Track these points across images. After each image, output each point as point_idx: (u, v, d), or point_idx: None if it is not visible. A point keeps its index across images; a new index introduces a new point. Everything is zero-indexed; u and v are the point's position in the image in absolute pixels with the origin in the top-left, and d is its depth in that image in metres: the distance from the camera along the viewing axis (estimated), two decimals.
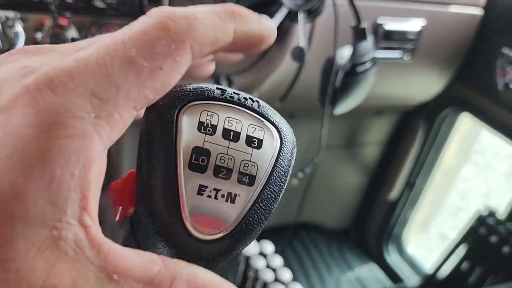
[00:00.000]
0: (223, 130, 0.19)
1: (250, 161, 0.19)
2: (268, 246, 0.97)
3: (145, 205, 0.19)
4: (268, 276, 0.90)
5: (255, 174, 0.19)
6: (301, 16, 0.63)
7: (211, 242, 0.18)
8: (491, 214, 1.10)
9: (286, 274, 0.92)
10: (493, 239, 1.05)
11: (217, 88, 0.20)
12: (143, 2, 0.70)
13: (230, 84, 0.70)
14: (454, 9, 0.94)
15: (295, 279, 0.93)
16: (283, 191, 0.20)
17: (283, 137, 0.20)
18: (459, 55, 1.02)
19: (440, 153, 1.27)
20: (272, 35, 0.21)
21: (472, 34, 0.99)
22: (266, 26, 0.21)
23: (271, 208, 0.19)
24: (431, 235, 1.99)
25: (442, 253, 1.21)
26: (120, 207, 0.20)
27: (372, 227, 1.45)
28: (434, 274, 1.21)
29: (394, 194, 1.34)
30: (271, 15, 0.66)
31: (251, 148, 0.19)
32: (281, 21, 0.64)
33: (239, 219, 0.19)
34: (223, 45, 0.19)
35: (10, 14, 0.66)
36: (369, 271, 1.39)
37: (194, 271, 0.17)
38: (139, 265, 0.16)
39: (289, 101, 0.97)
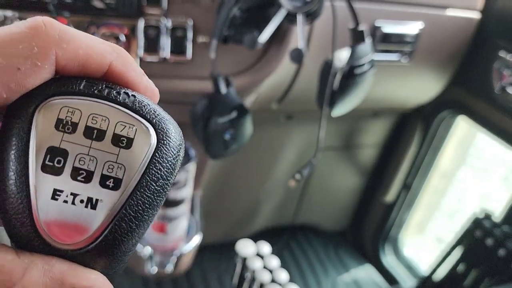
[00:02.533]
0: (85, 128, 0.17)
1: (115, 162, 0.17)
2: (265, 247, 0.97)
3: (0, 211, 0.17)
4: (265, 277, 0.90)
5: (121, 177, 0.17)
6: (299, 18, 0.64)
7: (74, 251, 0.17)
8: (487, 216, 1.10)
9: (283, 275, 0.92)
10: (489, 241, 1.05)
11: (86, 82, 0.18)
12: (141, 2, 0.70)
13: (228, 85, 0.70)
14: (451, 12, 0.95)
15: (291, 280, 0.93)
16: (162, 196, 0.18)
17: (161, 136, 0.18)
18: (456, 58, 1.03)
19: (436, 156, 1.28)
20: (152, 96, 0.20)
21: (469, 37, 0.99)
22: (146, 83, 0.20)
23: (145, 215, 0.17)
24: (427, 237, 1.99)
25: (438, 255, 1.21)
26: None
27: (368, 229, 1.45)
28: (430, 276, 1.21)
29: (390, 196, 1.35)
30: (270, 16, 0.67)
31: (118, 148, 0.17)
32: (280, 22, 0.65)
33: (102, 227, 0.17)
34: (93, 71, 0.19)
35: (8, 13, 0.66)
36: (366, 273, 1.39)
37: (51, 261, 0.16)
38: None
39: (287, 103, 0.97)
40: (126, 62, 0.19)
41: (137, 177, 0.17)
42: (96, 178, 0.17)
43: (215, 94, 0.67)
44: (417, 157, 1.27)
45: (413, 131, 1.24)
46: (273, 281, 0.91)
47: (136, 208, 0.17)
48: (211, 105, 0.67)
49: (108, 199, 0.17)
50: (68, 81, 0.18)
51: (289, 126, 1.15)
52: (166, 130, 0.18)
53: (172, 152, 0.18)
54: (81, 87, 0.18)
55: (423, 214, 1.67)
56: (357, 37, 0.72)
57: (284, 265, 1.34)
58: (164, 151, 0.18)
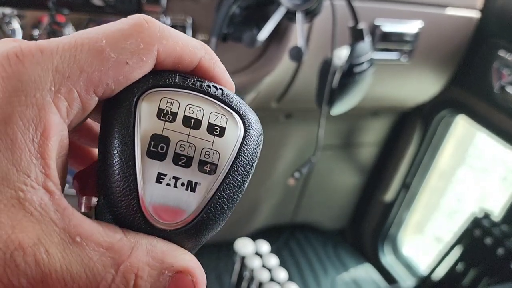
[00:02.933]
0: (183, 117, 0.18)
1: (211, 149, 0.18)
2: (264, 246, 0.97)
3: (104, 195, 0.18)
4: (264, 276, 0.90)
5: (216, 163, 0.18)
6: (299, 16, 0.63)
7: (172, 231, 0.18)
8: (486, 216, 1.10)
9: (282, 274, 0.92)
10: (488, 241, 1.05)
11: (179, 75, 0.20)
12: (140, 0, 0.70)
13: None
14: (451, 11, 0.95)
15: (290, 279, 0.93)
16: (247, 181, 0.19)
17: (247, 125, 0.20)
18: (455, 57, 1.03)
19: (436, 155, 1.28)
20: (231, 87, 0.22)
21: (469, 36, 0.99)
22: (228, 79, 0.22)
23: (234, 198, 0.19)
24: (426, 237, 2.00)
25: (437, 254, 1.21)
26: (84, 197, 0.20)
27: (368, 228, 1.45)
28: (429, 276, 1.21)
29: (390, 195, 1.35)
30: (269, 14, 0.66)
31: (213, 136, 0.19)
32: (279, 20, 0.65)
33: (200, 208, 0.18)
34: (186, 66, 0.20)
35: (7, 10, 0.66)
36: (364, 272, 1.39)
37: (154, 241, 0.18)
38: (101, 232, 0.17)
39: (286, 102, 0.97)
40: (213, 58, 0.21)
41: (230, 162, 0.19)
42: (195, 163, 0.18)
43: None
44: (417, 156, 1.27)
45: (412, 130, 1.25)
46: (272, 280, 0.91)
47: (229, 191, 0.18)
48: None
49: (206, 183, 0.18)
50: (164, 74, 0.19)
51: (289, 125, 1.15)
52: (251, 120, 0.20)
53: (256, 139, 0.20)
54: (176, 80, 0.19)
55: (422, 214, 1.67)
56: (356, 36, 0.71)
57: (283, 264, 1.35)
58: (250, 139, 0.19)
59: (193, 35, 0.74)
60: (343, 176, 1.39)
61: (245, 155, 0.19)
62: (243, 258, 0.93)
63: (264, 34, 0.64)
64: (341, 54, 0.72)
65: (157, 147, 0.18)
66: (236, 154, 0.19)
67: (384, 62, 0.95)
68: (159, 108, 0.18)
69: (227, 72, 0.22)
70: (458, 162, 1.66)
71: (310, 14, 0.66)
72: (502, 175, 2.53)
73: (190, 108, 0.19)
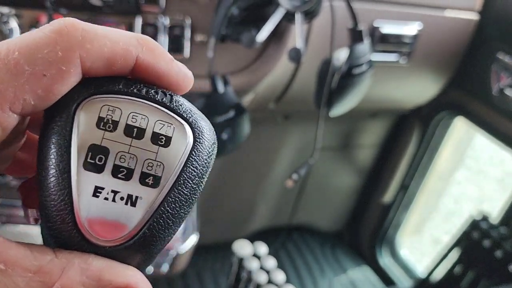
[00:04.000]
0: (125, 126, 0.17)
1: (155, 160, 0.17)
2: (262, 248, 0.96)
3: (41, 208, 0.17)
4: (262, 277, 0.89)
5: (160, 175, 0.17)
6: (298, 17, 0.63)
7: (112, 248, 0.17)
8: (485, 218, 1.10)
9: (280, 276, 0.92)
10: (486, 243, 1.05)
11: (124, 81, 0.18)
12: (139, 0, 0.70)
13: (225, 84, 0.69)
14: (450, 13, 0.95)
15: (288, 281, 0.93)
16: (197, 194, 0.18)
17: (197, 134, 0.18)
18: (454, 59, 1.03)
19: (434, 157, 1.28)
20: (185, 82, 0.20)
21: (468, 39, 0.99)
22: (177, 69, 0.19)
23: (181, 212, 0.18)
24: (424, 238, 2.00)
25: (435, 256, 1.21)
26: (29, 210, 0.19)
27: (365, 229, 1.45)
28: (427, 278, 1.21)
29: (388, 197, 1.35)
30: (268, 15, 0.66)
31: (157, 147, 0.17)
32: (278, 21, 0.64)
33: (141, 224, 0.17)
34: (121, 67, 0.18)
35: (5, 10, 0.65)
36: (362, 273, 1.39)
37: (89, 259, 0.17)
38: (29, 256, 0.16)
39: (284, 103, 0.97)
40: (154, 52, 0.19)
41: (175, 174, 0.17)
42: (136, 176, 0.17)
43: (212, 93, 0.67)
44: (415, 158, 1.27)
45: (411, 132, 1.25)
46: (269, 281, 0.91)
47: (174, 205, 0.17)
48: (208, 104, 0.67)
49: (148, 196, 0.17)
50: (108, 80, 0.18)
51: (287, 126, 1.15)
52: (202, 128, 0.19)
53: (207, 150, 0.19)
54: (120, 86, 0.18)
55: (420, 215, 1.67)
56: (355, 37, 0.71)
57: (280, 265, 1.34)
58: (200, 149, 0.18)
59: (192, 36, 0.73)
60: (341, 178, 1.39)
61: (194, 167, 0.18)
62: (240, 260, 0.93)
63: (263, 35, 0.64)
64: (340, 56, 0.72)
65: (95, 159, 0.17)
66: (183, 166, 0.18)
67: (383, 64, 0.95)
68: (99, 116, 0.17)
69: (176, 62, 0.20)
70: (456, 164, 1.66)
71: (309, 15, 0.66)
72: (500, 177, 2.54)
73: (134, 117, 0.18)
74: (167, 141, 0.18)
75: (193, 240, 0.92)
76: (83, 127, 0.17)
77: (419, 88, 1.09)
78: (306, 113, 1.08)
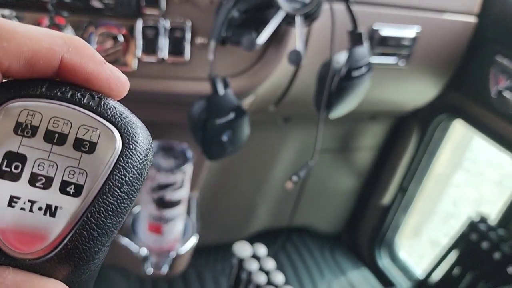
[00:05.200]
0: (46, 132, 0.16)
1: (77, 167, 0.16)
2: (262, 249, 0.97)
3: None
4: (261, 279, 0.90)
5: (83, 183, 0.16)
6: (298, 20, 0.64)
7: (32, 261, 0.16)
8: (483, 220, 1.10)
9: (279, 277, 0.92)
10: (484, 245, 1.05)
11: (49, 84, 0.17)
12: (140, 2, 0.70)
13: (225, 86, 0.70)
14: (448, 16, 0.95)
15: (287, 282, 0.93)
16: (128, 204, 0.17)
17: (127, 140, 0.17)
18: (453, 62, 1.03)
19: (432, 159, 1.28)
20: (117, 86, 0.18)
21: (466, 41, 1.00)
22: (108, 72, 0.18)
23: (108, 223, 0.17)
24: (422, 241, 2.00)
25: (433, 258, 1.22)
26: None
27: (364, 231, 1.45)
28: (425, 279, 1.22)
29: (386, 199, 1.35)
30: (268, 18, 0.67)
31: (80, 153, 0.16)
32: (278, 24, 0.65)
33: (62, 235, 0.16)
34: (44, 68, 0.17)
35: (6, 12, 0.66)
36: (361, 275, 1.39)
37: (4, 272, 0.16)
38: None
39: (284, 105, 0.97)
40: (81, 53, 0.17)
41: (100, 183, 0.16)
42: (56, 184, 0.16)
43: (213, 95, 0.67)
44: (414, 161, 1.28)
45: (409, 135, 1.25)
46: (269, 283, 0.91)
47: (99, 215, 0.16)
48: (209, 106, 0.67)
49: (69, 206, 0.16)
50: (30, 83, 0.17)
51: (287, 128, 1.15)
52: (133, 134, 0.18)
53: (139, 156, 0.17)
54: (43, 89, 0.17)
55: (419, 218, 1.68)
56: (355, 40, 0.72)
57: (280, 267, 1.34)
58: (130, 156, 0.17)
59: (192, 38, 0.74)
60: (341, 180, 1.39)
61: (122, 174, 0.17)
62: (240, 261, 0.93)
63: (263, 37, 0.64)
64: (340, 58, 0.73)
65: (11, 166, 0.16)
66: (110, 173, 0.17)
67: (382, 66, 0.95)
68: (17, 122, 0.16)
69: (108, 65, 0.18)
70: (455, 167, 1.66)
71: (309, 18, 0.66)
72: (498, 179, 2.54)
73: (55, 121, 0.17)
74: (92, 147, 0.17)
75: (193, 241, 0.92)
76: (0, 132, 0.16)
77: (418, 91, 1.09)
78: (306, 115, 1.08)
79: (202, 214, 1.07)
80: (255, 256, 0.94)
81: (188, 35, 0.73)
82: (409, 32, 0.93)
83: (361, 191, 1.44)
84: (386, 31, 0.90)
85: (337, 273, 1.38)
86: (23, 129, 0.16)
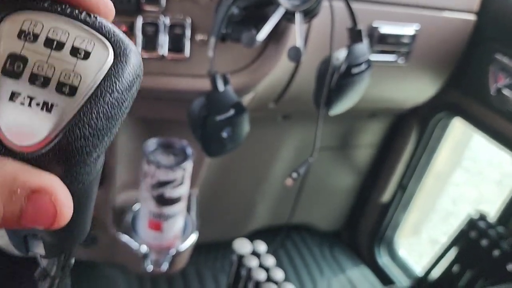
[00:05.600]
0: (46, 39, 0.18)
1: (72, 71, 0.18)
2: (261, 246, 0.97)
3: None
4: (261, 276, 0.90)
5: (77, 85, 0.18)
6: (298, 17, 0.64)
7: (29, 154, 0.17)
8: (482, 217, 1.11)
9: (279, 274, 0.92)
10: (484, 242, 1.05)
11: (50, 1, 0.19)
12: (140, 0, 0.70)
13: (225, 83, 0.70)
14: (448, 14, 0.95)
15: (287, 280, 0.94)
16: (117, 110, 0.19)
17: (119, 52, 0.19)
18: (452, 60, 1.04)
19: (432, 157, 1.28)
20: (105, 8, 0.20)
21: (466, 39, 1.00)
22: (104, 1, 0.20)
23: (99, 125, 0.18)
24: (422, 239, 2.00)
25: (433, 256, 1.22)
26: None
27: (364, 229, 1.45)
28: (425, 277, 1.22)
29: (386, 197, 1.35)
30: (268, 15, 0.67)
31: (76, 59, 0.18)
32: (278, 21, 0.65)
33: (56, 130, 0.17)
34: None
35: None
36: (360, 272, 1.39)
37: (3, 160, 0.17)
38: None
39: (284, 102, 0.97)
40: None
41: (92, 86, 0.18)
42: (53, 84, 0.18)
43: (212, 92, 0.67)
44: (413, 158, 1.28)
45: (409, 132, 1.25)
46: (268, 279, 0.91)
47: (90, 116, 0.18)
48: (208, 103, 0.68)
49: (63, 105, 0.18)
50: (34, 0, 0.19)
51: (286, 126, 1.15)
52: (124, 49, 0.19)
53: (129, 70, 0.19)
54: (45, 4, 0.19)
55: (418, 216, 1.68)
56: (354, 37, 0.72)
57: (279, 264, 1.35)
58: (121, 67, 0.19)
59: (192, 35, 0.74)
60: (340, 178, 1.39)
61: (113, 82, 0.18)
62: (240, 258, 0.94)
63: (263, 34, 0.65)
64: (339, 55, 0.73)
65: (13, 66, 0.17)
66: (102, 80, 0.18)
67: (382, 63, 0.96)
68: (20, 29, 0.18)
69: None
70: (454, 165, 1.67)
71: (309, 15, 0.67)
72: (498, 178, 2.55)
73: (55, 31, 0.18)
74: (86, 55, 0.18)
75: (192, 238, 0.92)
76: (4, 38, 0.18)
77: (417, 89, 1.09)
78: (305, 113, 1.08)
79: (202, 211, 1.07)
80: (255, 253, 0.95)
81: (188, 32, 0.73)
82: (408, 30, 0.93)
83: (360, 189, 1.44)
84: (386, 28, 0.90)
85: (337, 270, 1.38)
86: (26, 35, 0.18)
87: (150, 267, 0.87)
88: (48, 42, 0.18)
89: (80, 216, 0.21)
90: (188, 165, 0.80)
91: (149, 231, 0.84)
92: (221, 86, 0.68)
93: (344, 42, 0.73)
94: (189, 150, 0.81)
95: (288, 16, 0.65)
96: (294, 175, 0.80)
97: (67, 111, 0.18)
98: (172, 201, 0.81)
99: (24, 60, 0.18)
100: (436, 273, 1.19)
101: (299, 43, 0.64)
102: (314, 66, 0.76)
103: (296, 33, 0.64)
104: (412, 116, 1.24)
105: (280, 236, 1.42)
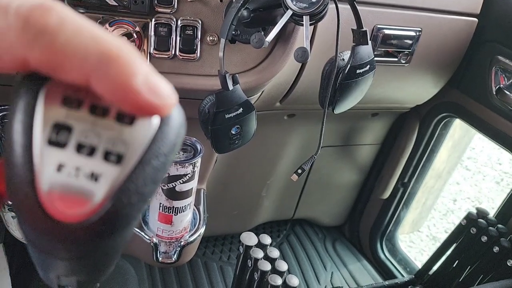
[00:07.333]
0: (90, 106, 0.17)
1: (119, 138, 0.17)
2: (267, 239, 1.00)
3: (7, 188, 0.17)
4: (266, 267, 0.93)
5: (124, 153, 0.17)
6: (305, 19, 0.66)
7: (76, 224, 0.17)
8: (483, 213, 1.12)
9: (283, 266, 0.95)
10: (484, 238, 1.06)
11: None
12: (153, 1, 0.73)
13: (234, 83, 0.72)
14: (450, 16, 0.97)
15: (290, 272, 0.96)
16: (162, 172, 0.18)
17: (163, 118, 0.18)
18: (454, 61, 1.05)
19: (433, 156, 1.30)
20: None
21: (468, 41, 1.01)
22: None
23: (145, 191, 0.17)
24: (422, 235, 2.02)
25: (433, 251, 1.23)
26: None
27: (366, 224, 1.47)
28: (425, 272, 1.23)
29: (387, 193, 1.37)
30: (277, 17, 0.69)
31: (122, 125, 0.17)
32: (286, 23, 0.67)
33: (104, 201, 0.17)
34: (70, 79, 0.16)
35: None
36: (362, 267, 1.41)
37: None
38: None
39: (289, 102, 0.99)
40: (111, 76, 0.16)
41: (139, 153, 0.17)
42: (99, 153, 0.17)
43: (222, 91, 0.70)
44: (414, 157, 1.29)
45: (411, 131, 1.27)
46: (273, 271, 0.94)
47: (137, 183, 0.17)
48: (218, 101, 0.70)
49: (110, 174, 0.17)
50: None
51: (291, 124, 1.17)
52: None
53: (174, 130, 0.18)
54: None
55: (419, 213, 1.70)
56: (359, 38, 0.74)
57: (283, 257, 1.37)
58: (166, 130, 0.18)
59: (203, 36, 0.76)
60: (343, 175, 1.41)
61: (159, 147, 0.18)
62: (247, 249, 0.96)
63: (271, 35, 0.67)
64: (344, 56, 0.75)
65: (58, 135, 0.17)
66: (148, 145, 0.17)
67: (385, 64, 0.97)
68: (64, 95, 0.17)
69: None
70: (454, 164, 1.68)
71: (316, 17, 0.69)
72: (498, 178, 2.56)
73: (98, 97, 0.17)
74: (131, 120, 0.17)
75: (201, 231, 0.95)
76: (48, 104, 0.17)
77: (419, 89, 1.11)
78: (310, 111, 1.10)
79: (210, 205, 1.10)
80: (260, 245, 0.98)
81: (199, 33, 0.75)
82: (411, 31, 0.95)
83: (363, 186, 1.46)
84: (390, 30, 0.92)
85: (338, 264, 1.41)
86: (70, 102, 0.17)
87: (160, 258, 0.90)
88: (93, 109, 0.17)
89: (117, 257, 0.20)
90: (198, 161, 0.83)
91: (159, 223, 0.87)
92: (230, 85, 0.70)
93: (349, 43, 0.76)
94: (200, 146, 0.83)
95: (296, 19, 0.67)
96: (299, 170, 0.82)
97: (114, 179, 0.17)
98: (182, 195, 0.83)
99: (69, 129, 0.17)
100: (436, 268, 1.20)
101: (306, 44, 0.66)
102: (319, 66, 0.78)
103: (304, 35, 0.67)
104: (414, 115, 1.25)
105: (285, 230, 1.45)
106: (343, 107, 0.79)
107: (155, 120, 0.18)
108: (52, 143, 0.17)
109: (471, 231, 1.09)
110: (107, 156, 0.17)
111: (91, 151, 0.17)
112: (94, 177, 0.17)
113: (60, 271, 0.20)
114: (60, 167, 0.17)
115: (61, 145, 0.17)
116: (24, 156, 0.16)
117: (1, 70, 0.16)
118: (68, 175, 0.17)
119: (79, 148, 0.17)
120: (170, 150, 0.18)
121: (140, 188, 0.17)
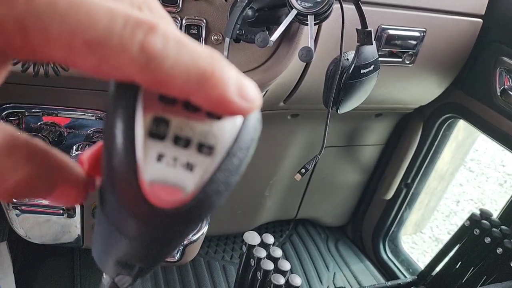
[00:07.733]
0: (184, 102, 0.19)
1: (210, 131, 0.19)
2: (270, 239, 1.00)
3: (106, 173, 0.19)
4: (269, 266, 0.93)
5: (214, 145, 0.19)
6: (310, 19, 0.66)
7: (171, 210, 0.18)
8: (486, 215, 1.11)
9: (285, 266, 0.95)
10: (488, 239, 1.06)
11: None
12: (157, 0, 0.73)
13: None
14: (455, 17, 0.97)
15: (293, 272, 0.96)
16: (244, 164, 0.20)
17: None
18: (458, 61, 1.05)
19: (436, 157, 1.29)
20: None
21: (472, 42, 1.01)
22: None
23: (230, 180, 0.19)
24: (425, 236, 2.02)
25: (436, 252, 1.23)
26: (90, 178, 0.21)
27: (368, 225, 1.47)
28: (428, 273, 1.23)
29: (390, 194, 1.37)
30: (281, 16, 0.69)
31: (212, 119, 0.19)
32: (290, 22, 0.67)
33: (198, 188, 0.18)
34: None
35: None
36: (364, 267, 1.42)
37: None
38: None
39: (293, 101, 0.99)
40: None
41: (228, 145, 0.19)
42: (193, 145, 0.18)
43: None
44: (418, 158, 1.29)
45: (414, 132, 1.27)
46: (276, 271, 0.94)
47: (225, 173, 0.19)
48: None
49: (203, 164, 0.18)
50: None
51: (294, 124, 1.17)
52: None
53: (253, 125, 0.20)
54: None
55: (422, 214, 1.70)
56: (364, 38, 0.74)
57: (286, 257, 1.37)
58: (248, 124, 0.20)
59: (207, 36, 0.76)
60: (346, 175, 1.41)
61: (243, 139, 0.19)
62: (250, 248, 0.97)
63: (275, 35, 0.67)
64: (349, 56, 0.75)
65: (158, 128, 0.18)
66: (235, 138, 0.19)
67: (389, 65, 0.97)
68: (160, 93, 0.19)
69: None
70: (458, 165, 1.68)
71: (320, 17, 0.69)
72: (502, 179, 2.55)
73: None
74: (220, 115, 0.19)
75: (204, 230, 0.95)
76: (147, 100, 0.18)
77: (423, 90, 1.11)
78: (314, 111, 1.10)
79: None
80: (263, 245, 0.98)
81: (203, 33, 0.75)
82: (416, 32, 0.95)
83: (366, 186, 1.46)
84: (394, 30, 0.92)
85: (341, 264, 1.41)
86: (166, 99, 0.19)
87: None
88: (186, 105, 0.19)
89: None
90: None
91: None
92: None
93: (353, 43, 0.76)
94: None
95: (300, 18, 0.67)
96: (303, 170, 0.83)
97: (206, 169, 0.18)
98: None
99: (167, 122, 0.18)
100: (439, 269, 1.20)
101: (311, 44, 0.66)
102: (323, 66, 0.78)
103: (308, 35, 0.67)
104: (417, 116, 1.25)
105: (288, 230, 1.45)
106: (347, 107, 0.79)
107: (240, 116, 0.19)
108: (153, 135, 0.18)
109: (475, 232, 1.09)
110: (200, 148, 0.18)
111: (187, 143, 0.18)
112: (189, 167, 0.18)
113: (123, 256, 0.21)
114: (159, 157, 0.18)
115: (160, 137, 0.18)
116: (127, 144, 0.18)
117: (104, 78, 0.17)
118: (167, 164, 0.18)
119: (176, 140, 0.18)
120: (251, 143, 0.20)
121: (228, 178, 0.19)
